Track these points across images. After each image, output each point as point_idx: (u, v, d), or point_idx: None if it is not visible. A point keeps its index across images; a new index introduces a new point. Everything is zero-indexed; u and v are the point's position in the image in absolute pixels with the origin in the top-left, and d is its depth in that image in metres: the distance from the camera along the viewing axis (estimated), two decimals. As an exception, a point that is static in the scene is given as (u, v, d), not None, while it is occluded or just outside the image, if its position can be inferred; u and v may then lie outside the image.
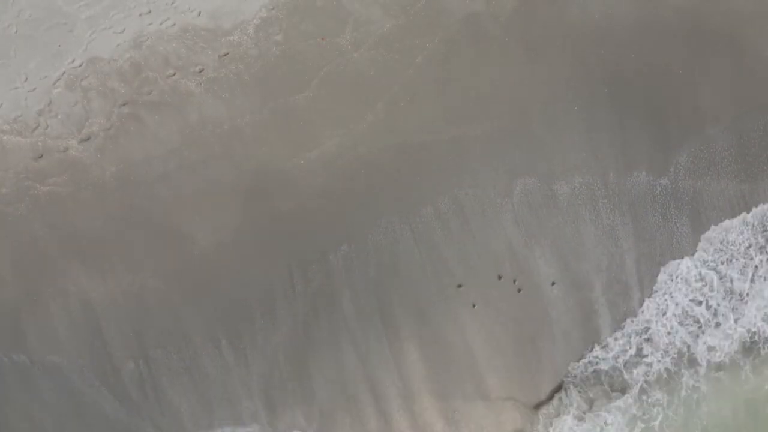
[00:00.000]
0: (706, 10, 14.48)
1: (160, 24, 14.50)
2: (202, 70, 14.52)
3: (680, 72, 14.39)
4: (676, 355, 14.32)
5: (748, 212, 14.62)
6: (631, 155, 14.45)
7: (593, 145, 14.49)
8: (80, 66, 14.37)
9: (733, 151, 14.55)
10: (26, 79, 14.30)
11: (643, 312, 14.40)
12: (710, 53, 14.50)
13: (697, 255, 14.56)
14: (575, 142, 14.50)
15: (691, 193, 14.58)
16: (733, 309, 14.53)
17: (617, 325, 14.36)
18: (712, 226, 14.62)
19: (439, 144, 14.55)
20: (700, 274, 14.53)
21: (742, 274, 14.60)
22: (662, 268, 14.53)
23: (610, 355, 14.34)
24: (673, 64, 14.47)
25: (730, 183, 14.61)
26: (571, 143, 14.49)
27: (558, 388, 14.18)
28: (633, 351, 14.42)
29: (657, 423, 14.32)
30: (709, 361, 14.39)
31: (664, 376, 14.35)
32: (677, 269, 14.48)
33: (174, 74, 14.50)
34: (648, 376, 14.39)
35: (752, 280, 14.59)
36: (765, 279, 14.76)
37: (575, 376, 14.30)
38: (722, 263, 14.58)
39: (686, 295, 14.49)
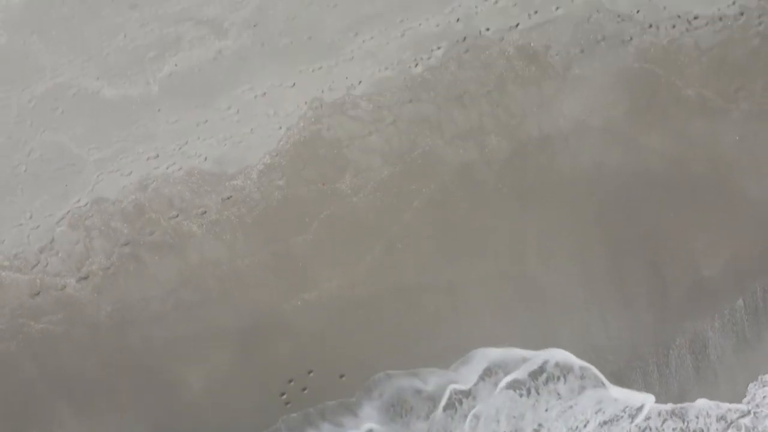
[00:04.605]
0: (691, 157, 15.18)
1: (167, 168, 14.98)
2: (204, 212, 14.84)
3: (672, 215, 14.91)
4: None
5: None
6: (628, 294, 14.67)
7: (590, 284, 14.70)
8: (85, 206, 14.66)
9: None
10: (31, 216, 14.53)
11: None
12: (698, 197, 15.05)
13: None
14: (571, 283, 14.74)
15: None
16: None
17: None
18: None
19: (437, 286, 14.67)
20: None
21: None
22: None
23: None
24: (664, 208, 14.96)
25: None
26: (567, 284, 14.73)
27: None
28: None
29: None
30: None
31: None
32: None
33: (177, 216, 14.80)
34: None
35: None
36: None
37: None
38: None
39: None
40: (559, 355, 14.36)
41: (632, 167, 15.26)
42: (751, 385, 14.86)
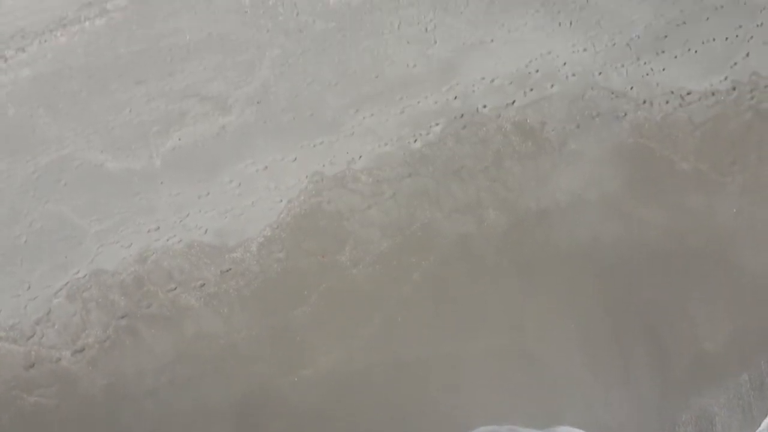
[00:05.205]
0: (688, 230, 15.28)
1: (167, 240, 15.04)
2: (203, 285, 14.81)
3: (671, 289, 14.84)
4: None
5: None
6: (630, 369, 14.44)
7: (591, 359, 14.51)
8: (84, 277, 14.64)
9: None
10: (29, 287, 14.49)
11: None
12: (696, 271, 15.04)
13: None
14: (572, 358, 14.53)
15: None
16: None
17: None
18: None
19: (436, 360, 14.48)
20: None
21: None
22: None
23: None
24: (662, 282, 14.92)
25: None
26: (568, 360, 14.53)
27: None
28: None
29: None
30: None
31: None
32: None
33: (175, 288, 14.76)
34: None
35: None
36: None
37: None
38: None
39: None
40: None
41: (629, 241, 15.29)
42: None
